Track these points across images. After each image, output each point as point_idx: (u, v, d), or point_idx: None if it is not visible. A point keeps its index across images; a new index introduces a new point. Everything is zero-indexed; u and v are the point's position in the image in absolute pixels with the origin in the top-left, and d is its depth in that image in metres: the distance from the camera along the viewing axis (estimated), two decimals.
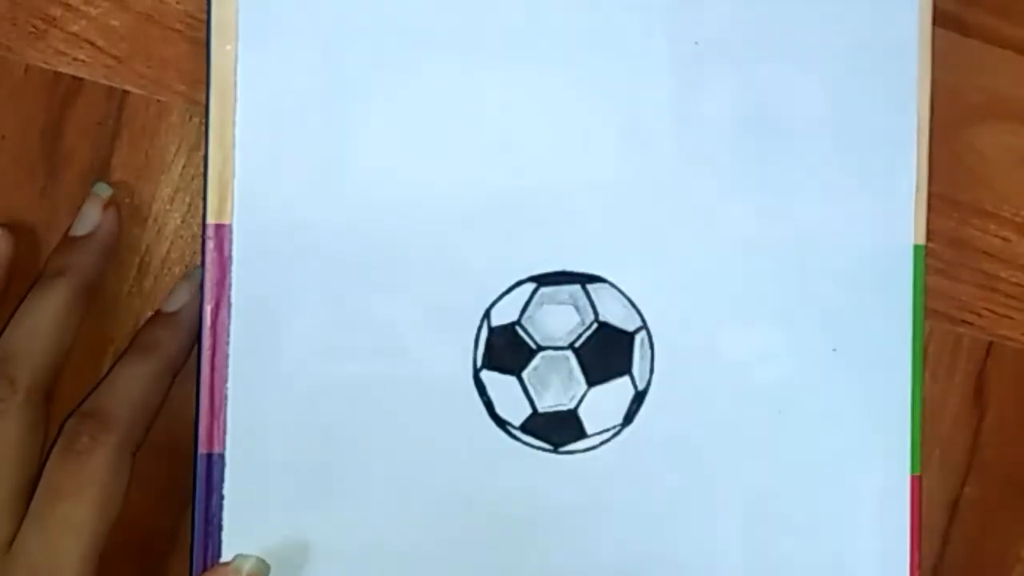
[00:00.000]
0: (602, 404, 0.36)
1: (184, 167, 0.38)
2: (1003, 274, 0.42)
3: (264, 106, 0.35)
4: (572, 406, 0.36)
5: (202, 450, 0.34)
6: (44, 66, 0.37)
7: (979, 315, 0.42)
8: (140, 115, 0.37)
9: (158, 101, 0.37)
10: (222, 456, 0.35)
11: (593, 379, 0.36)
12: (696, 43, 0.37)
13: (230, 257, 0.35)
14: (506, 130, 0.36)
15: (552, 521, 0.36)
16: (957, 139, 0.41)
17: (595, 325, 0.36)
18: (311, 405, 0.35)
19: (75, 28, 0.37)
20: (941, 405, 0.41)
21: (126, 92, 0.37)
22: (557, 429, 0.36)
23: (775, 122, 0.37)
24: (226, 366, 0.35)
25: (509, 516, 0.36)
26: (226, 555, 0.34)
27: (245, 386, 0.35)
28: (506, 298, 0.36)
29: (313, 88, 0.35)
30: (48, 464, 0.33)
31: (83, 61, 0.37)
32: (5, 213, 0.37)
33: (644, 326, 0.37)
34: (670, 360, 0.37)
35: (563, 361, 0.36)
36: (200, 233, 0.36)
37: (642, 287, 0.37)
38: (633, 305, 0.36)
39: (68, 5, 0.37)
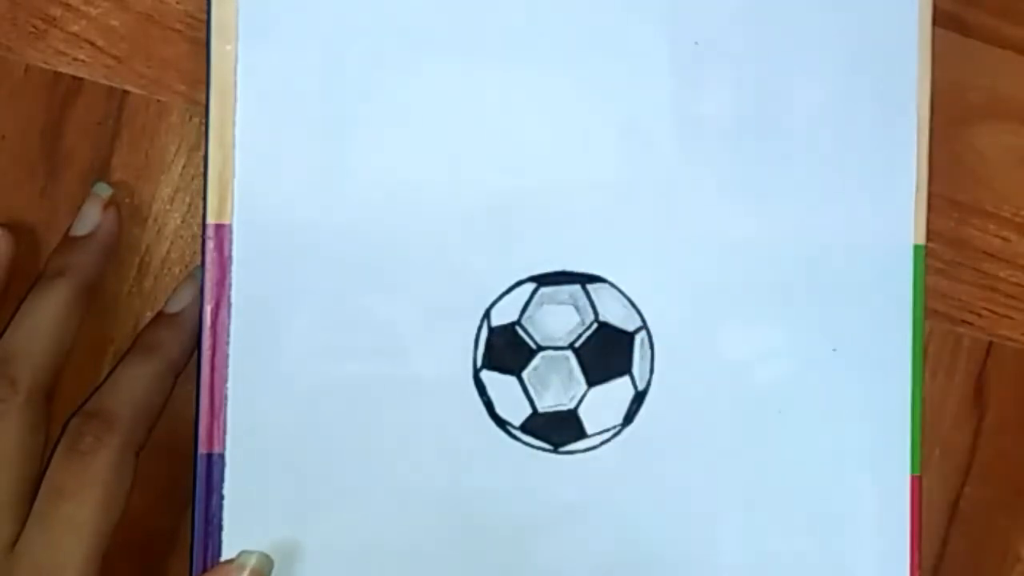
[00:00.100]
0: (602, 404, 0.36)
1: (184, 167, 0.38)
2: (1003, 274, 0.42)
3: (264, 106, 0.35)
4: (572, 406, 0.36)
5: (202, 450, 0.34)
6: (44, 66, 0.37)
7: (979, 315, 0.42)
8: (140, 115, 0.37)
9: (158, 101, 0.37)
10: (222, 456, 0.35)
11: (593, 379, 0.36)
12: (696, 43, 0.37)
13: (230, 257, 0.35)
14: (506, 130, 0.36)
15: (552, 521, 0.36)
16: (957, 139, 0.41)
17: (595, 325, 0.36)
18: (311, 405, 0.35)
19: (75, 28, 0.37)
20: (941, 405, 0.41)
21: (126, 92, 0.37)
22: (557, 429, 0.36)
23: (775, 122, 0.37)
24: (226, 366, 0.35)
25: (509, 516, 0.36)
26: (226, 555, 0.34)
27: (245, 386, 0.35)
28: (506, 298, 0.36)
29: (313, 88, 0.35)
30: (51, 464, 0.33)
31: (83, 61, 0.37)
32: (5, 213, 0.37)
33: (644, 326, 0.37)
34: (670, 360, 0.37)
35: (563, 361, 0.36)
36: (200, 233, 0.36)
37: (642, 287, 0.37)
38: (633, 305, 0.36)
39: (68, 5, 0.37)
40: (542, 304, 0.36)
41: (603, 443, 0.36)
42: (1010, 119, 0.42)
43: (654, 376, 0.37)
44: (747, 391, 0.37)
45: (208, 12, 0.35)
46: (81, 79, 0.37)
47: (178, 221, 0.38)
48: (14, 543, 0.33)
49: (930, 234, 0.39)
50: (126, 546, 0.35)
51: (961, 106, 0.41)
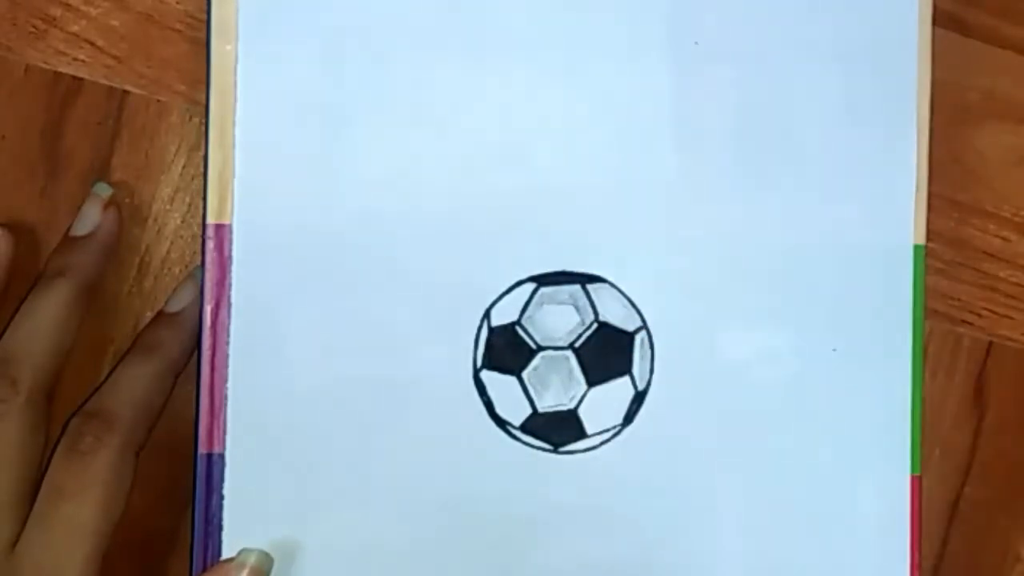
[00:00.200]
0: (602, 404, 0.36)
1: (184, 167, 0.38)
2: (1003, 274, 0.42)
3: (264, 106, 0.35)
4: (572, 406, 0.36)
5: (202, 450, 0.34)
6: (44, 66, 0.37)
7: (979, 315, 0.42)
8: (140, 115, 0.37)
9: (158, 101, 0.37)
10: (222, 456, 0.35)
11: (593, 379, 0.36)
12: (696, 43, 0.37)
13: (230, 257, 0.35)
14: (506, 130, 0.36)
15: (552, 521, 0.36)
16: (957, 139, 0.41)
17: (595, 325, 0.36)
18: (311, 405, 0.35)
19: (75, 28, 0.37)
20: (941, 405, 0.41)
21: (126, 92, 0.37)
22: (557, 429, 0.36)
23: (775, 122, 0.37)
24: (226, 366, 0.35)
25: (509, 516, 0.36)
26: (226, 555, 0.34)
27: (245, 386, 0.35)
28: (506, 298, 0.36)
29: (313, 88, 0.35)
30: (52, 464, 0.33)
31: (83, 61, 0.37)
32: (5, 213, 0.37)
33: (644, 326, 0.37)
34: (670, 360, 0.37)
35: (563, 361, 0.36)
36: (200, 233, 0.36)
37: (642, 287, 0.37)
38: (633, 305, 0.36)
39: (68, 5, 0.37)
40: (542, 304, 0.36)
41: (603, 443, 0.36)
42: (1010, 119, 0.42)
43: (654, 376, 0.37)
44: (747, 391, 0.37)
45: (208, 12, 0.35)
46: (81, 79, 0.37)
47: (178, 221, 0.38)
48: (14, 543, 0.33)
49: (930, 234, 0.39)
50: (126, 546, 0.35)
51: (961, 106, 0.41)
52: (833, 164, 0.37)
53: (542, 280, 0.36)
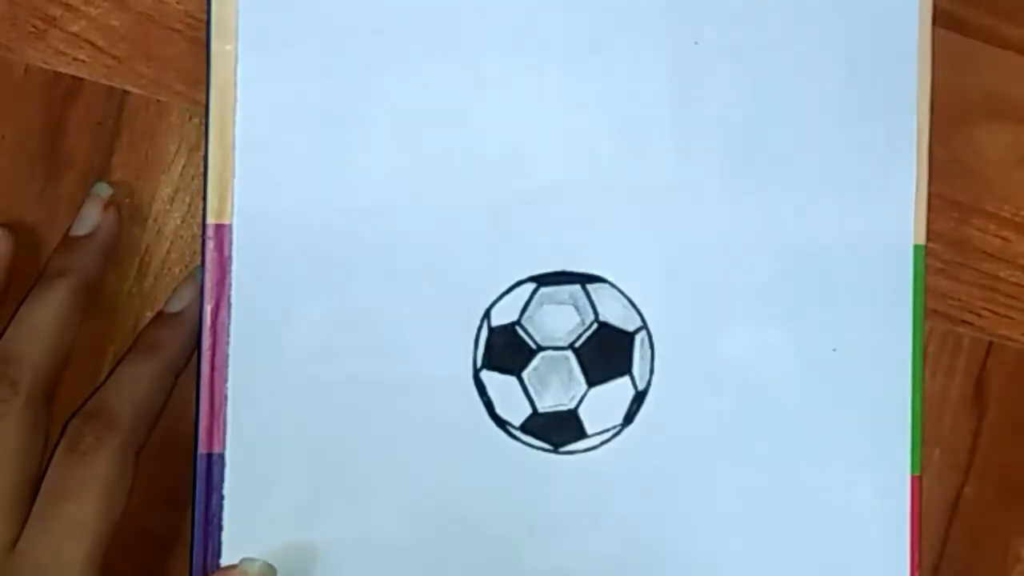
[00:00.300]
0: (602, 404, 0.36)
1: (184, 167, 0.38)
2: (1003, 274, 0.42)
3: (264, 106, 0.35)
4: (572, 406, 0.36)
5: (202, 450, 0.35)
6: (44, 66, 0.37)
7: (979, 315, 0.42)
8: (140, 115, 0.37)
9: (158, 101, 0.37)
10: (222, 456, 0.35)
11: (593, 379, 0.36)
12: (696, 43, 0.37)
13: (230, 257, 0.35)
14: (505, 130, 0.36)
15: (552, 521, 0.36)
16: (957, 139, 0.41)
17: (595, 325, 0.36)
18: (311, 405, 0.35)
19: (75, 28, 0.37)
20: (941, 405, 0.41)
21: (126, 92, 0.37)
22: (557, 429, 0.36)
23: (775, 122, 0.37)
24: (226, 366, 0.35)
25: (509, 516, 0.36)
26: (226, 555, 0.34)
27: (245, 386, 0.35)
28: (506, 298, 0.36)
29: (313, 88, 0.35)
30: (52, 464, 0.33)
31: (83, 61, 0.37)
32: (5, 213, 0.37)
33: (644, 326, 0.37)
34: (670, 360, 0.37)
35: (563, 361, 0.36)
36: (200, 233, 0.36)
37: (642, 287, 0.37)
38: (633, 305, 0.37)
39: (68, 5, 0.37)
40: (542, 304, 0.36)
41: (603, 443, 0.36)
42: (1010, 119, 0.42)
43: (654, 376, 0.37)
44: (747, 391, 0.37)
45: (208, 12, 0.35)
46: (81, 79, 0.37)
47: (178, 221, 0.38)
48: (15, 543, 0.33)
49: (930, 234, 0.39)
50: (126, 546, 0.35)
51: (961, 106, 0.41)
52: (833, 164, 0.37)
53: (542, 280, 0.36)
